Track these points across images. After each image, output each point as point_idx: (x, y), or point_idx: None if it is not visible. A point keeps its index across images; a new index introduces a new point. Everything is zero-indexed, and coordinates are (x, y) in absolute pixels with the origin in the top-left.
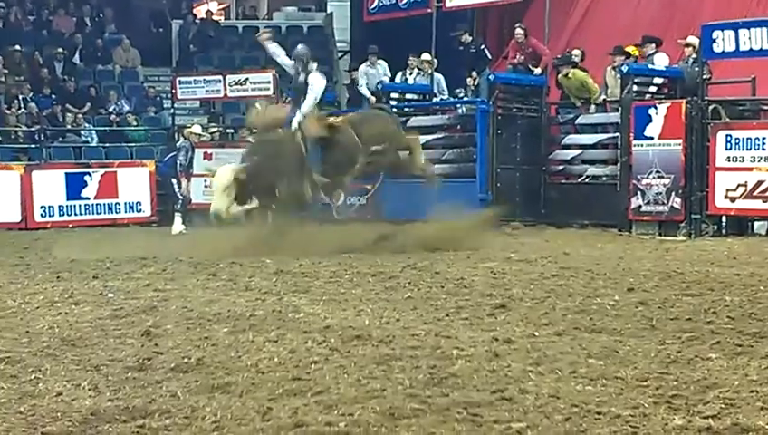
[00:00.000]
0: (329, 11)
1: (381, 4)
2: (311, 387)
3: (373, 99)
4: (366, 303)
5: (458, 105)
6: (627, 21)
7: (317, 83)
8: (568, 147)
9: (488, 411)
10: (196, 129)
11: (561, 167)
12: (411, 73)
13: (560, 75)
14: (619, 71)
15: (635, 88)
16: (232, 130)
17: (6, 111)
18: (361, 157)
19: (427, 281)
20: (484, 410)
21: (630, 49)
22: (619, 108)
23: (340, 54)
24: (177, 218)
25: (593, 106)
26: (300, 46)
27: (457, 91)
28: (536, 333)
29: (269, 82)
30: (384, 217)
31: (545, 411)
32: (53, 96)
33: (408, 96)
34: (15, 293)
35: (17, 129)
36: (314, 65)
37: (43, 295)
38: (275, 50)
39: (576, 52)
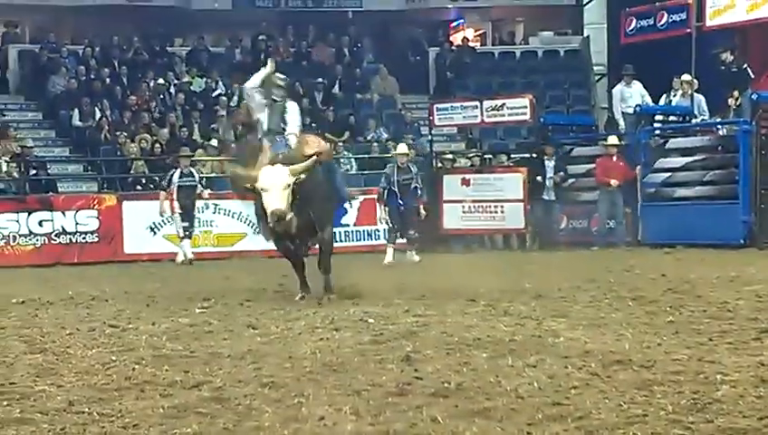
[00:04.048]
0: (585, 34)
1: (639, 25)
2: (571, 412)
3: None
4: (626, 327)
5: (719, 126)
6: None
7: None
8: None
9: None
10: (401, 148)
11: None
12: (675, 95)
13: None
14: None
15: None
16: (490, 156)
17: None
18: None
19: (688, 305)
20: None
21: None
22: None
23: (597, 78)
24: (390, 249)
25: None
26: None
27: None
28: None
29: (526, 108)
30: (643, 241)
31: None
32: (313, 125)
33: (669, 118)
34: (278, 319)
35: None
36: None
37: (304, 321)
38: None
39: None
